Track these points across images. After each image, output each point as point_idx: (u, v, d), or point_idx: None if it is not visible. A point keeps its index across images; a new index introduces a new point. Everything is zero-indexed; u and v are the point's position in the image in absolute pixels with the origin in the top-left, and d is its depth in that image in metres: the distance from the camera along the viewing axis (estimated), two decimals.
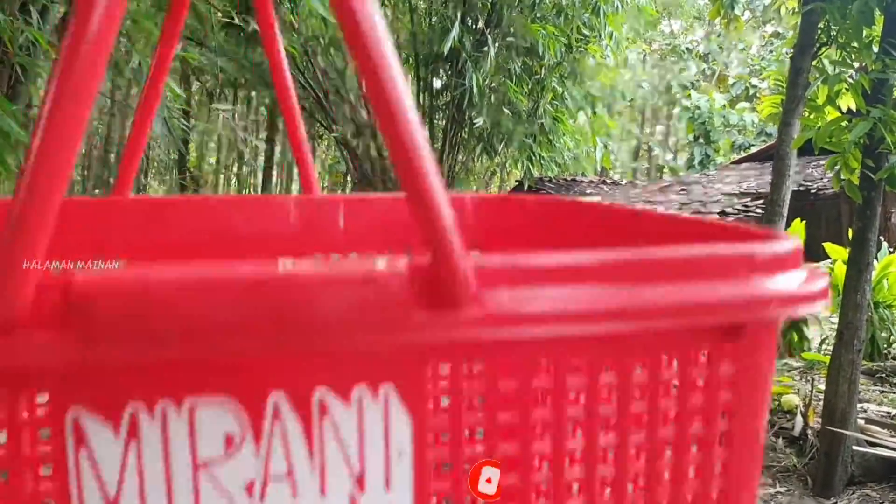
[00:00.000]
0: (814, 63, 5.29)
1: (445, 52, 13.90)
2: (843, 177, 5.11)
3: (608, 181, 21.57)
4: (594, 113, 17.48)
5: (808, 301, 0.34)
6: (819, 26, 5.25)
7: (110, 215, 0.65)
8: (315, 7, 5.39)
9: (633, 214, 0.57)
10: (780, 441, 5.15)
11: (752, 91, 27.34)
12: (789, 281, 0.34)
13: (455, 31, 13.42)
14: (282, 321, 0.27)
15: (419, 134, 0.27)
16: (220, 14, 7.81)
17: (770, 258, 0.34)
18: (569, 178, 20.06)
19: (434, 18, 15.42)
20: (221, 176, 35.97)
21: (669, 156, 33.97)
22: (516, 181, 20.92)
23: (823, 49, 5.31)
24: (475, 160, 18.16)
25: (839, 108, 5.10)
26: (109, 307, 0.25)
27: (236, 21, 5.63)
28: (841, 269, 7.48)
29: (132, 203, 0.68)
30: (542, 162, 16.86)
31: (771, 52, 27.83)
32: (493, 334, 0.29)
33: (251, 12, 7.22)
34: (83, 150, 31.14)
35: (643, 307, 0.31)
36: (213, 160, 33.50)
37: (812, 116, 5.34)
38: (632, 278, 0.31)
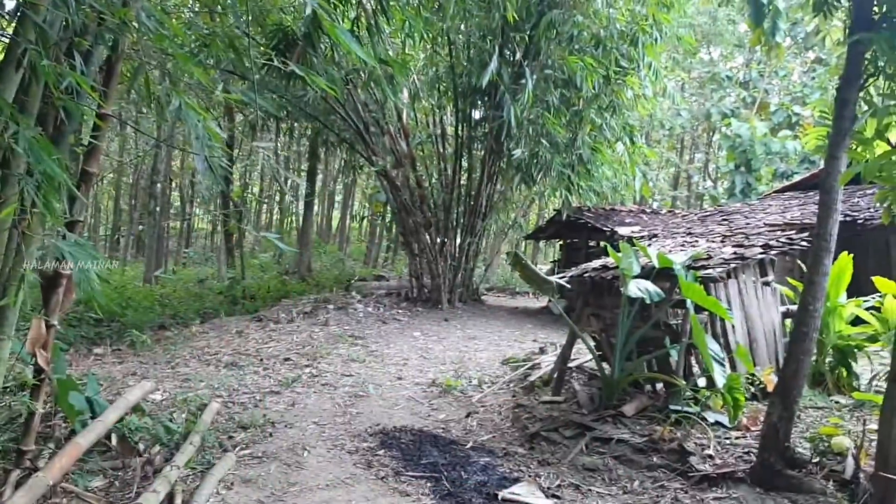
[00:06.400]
0: (861, 95, 5.19)
1: (484, 85, 14.00)
2: (894, 211, 5.00)
3: (648, 210, 21.50)
4: (633, 142, 17.48)
5: None
6: (866, 57, 5.15)
7: None
8: (352, 48, 5.45)
9: None
10: (831, 485, 5.00)
11: (794, 118, 27.05)
12: None
13: (494, 65, 13.54)
14: None
15: None
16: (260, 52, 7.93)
17: None
18: (607, 208, 20.04)
19: (472, 52, 15.61)
20: (264, 206, 36.50)
21: (709, 184, 33.71)
22: (555, 210, 20.95)
23: (871, 80, 5.21)
24: (513, 189, 18.25)
25: (888, 142, 4.98)
26: None
27: (275, 63, 5.71)
28: (891, 304, 7.31)
29: None
30: (580, 191, 16.92)
31: (813, 78, 27.55)
32: None
33: (290, 53, 7.35)
34: (131, 181, 31.64)
35: None
36: (256, 189, 34.00)
37: (860, 149, 5.23)
38: None
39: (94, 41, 4.59)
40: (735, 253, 7.53)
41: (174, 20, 8.87)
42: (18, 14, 4.09)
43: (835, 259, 6.26)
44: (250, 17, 8.79)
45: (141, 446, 5.87)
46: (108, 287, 15.36)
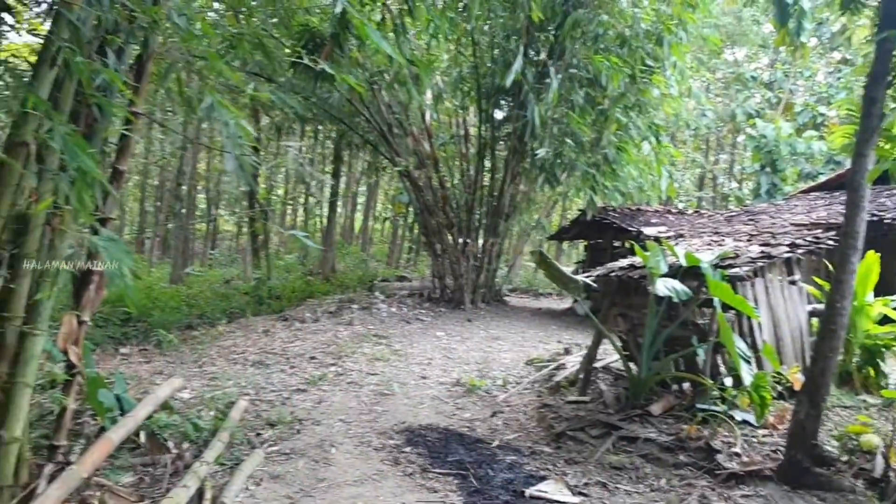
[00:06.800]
0: (888, 92, 5.14)
1: (508, 85, 13.98)
2: None
3: (674, 210, 21.32)
4: (658, 142, 17.35)
5: None
6: (894, 54, 5.11)
7: None
8: (381, 46, 5.49)
9: None
10: (861, 483, 4.97)
11: (819, 119, 26.77)
12: None
13: (518, 65, 13.52)
14: None
15: None
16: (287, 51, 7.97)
17: None
18: (633, 208, 19.89)
19: (496, 52, 15.58)
20: (289, 207, 36.70)
21: (735, 184, 33.44)
22: (579, 210, 20.85)
23: None
24: (537, 190, 18.20)
25: None
26: None
27: (305, 61, 5.75)
28: None
29: None
30: (605, 191, 16.82)
31: (839, 79, 27.25)
32: None
33: (317, 53, 7.41)
34: (157, 183, 31.62)
35: None
36: (281, 192, 34.19)
37: (888, 147, 5.19)
38: None
39: (126, 39, 4.65)
40: (762, 252, 7.48)
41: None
42: (53, 12, 4.16)
43: (861, 258, 6.20)
44: (276, 19, 8.88)
45: (170, 443, 5.94)
46: (137, 285, 15.53)
